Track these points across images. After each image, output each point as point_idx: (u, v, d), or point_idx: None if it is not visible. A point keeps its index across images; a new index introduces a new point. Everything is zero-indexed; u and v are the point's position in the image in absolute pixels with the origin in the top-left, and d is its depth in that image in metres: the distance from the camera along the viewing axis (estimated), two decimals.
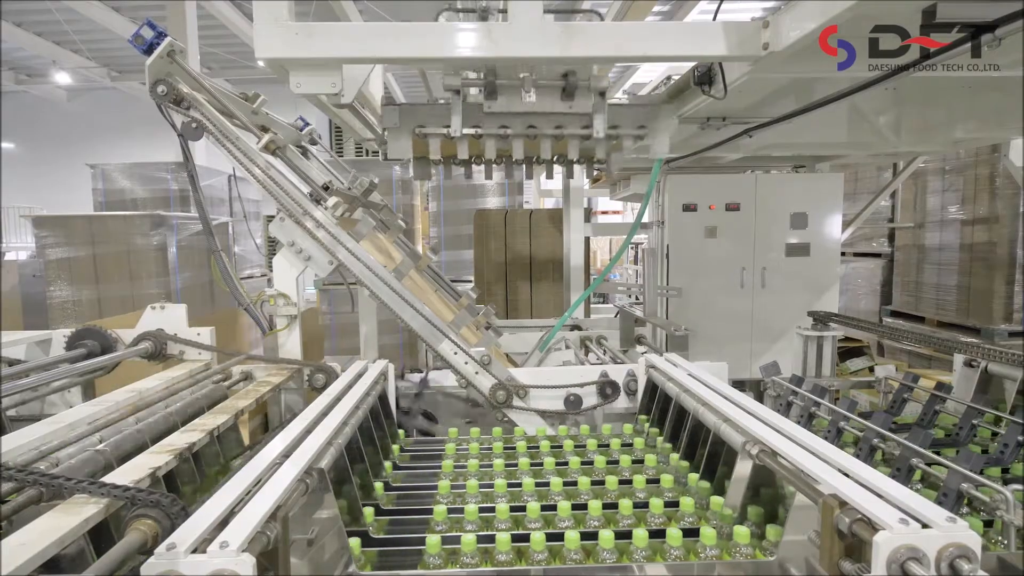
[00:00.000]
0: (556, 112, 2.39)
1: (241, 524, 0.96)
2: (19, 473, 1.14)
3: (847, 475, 1.11)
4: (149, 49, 2.11)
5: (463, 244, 6.66)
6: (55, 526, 1.03)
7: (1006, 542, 1.29)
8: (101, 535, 1.15)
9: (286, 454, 1.27)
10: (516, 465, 1.72)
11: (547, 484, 1.56)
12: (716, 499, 1.39)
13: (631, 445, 1.88)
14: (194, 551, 0.90)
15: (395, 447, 1.95)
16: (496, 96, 2.36)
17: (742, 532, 1.20)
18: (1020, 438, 1.77)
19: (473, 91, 2.40)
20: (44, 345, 2.33)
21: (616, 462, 1.73)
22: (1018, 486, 1.33)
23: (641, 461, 1.74)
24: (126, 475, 1.25)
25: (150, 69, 2.14)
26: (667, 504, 1.43)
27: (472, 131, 2.41)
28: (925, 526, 0.93)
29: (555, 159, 2.63)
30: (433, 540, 1.23)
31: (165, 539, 0.92)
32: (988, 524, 1.37)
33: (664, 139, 2.50)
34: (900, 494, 1.01)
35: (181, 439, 1.51)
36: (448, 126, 2.41)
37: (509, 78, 2.35)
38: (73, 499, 1.13)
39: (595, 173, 6.92)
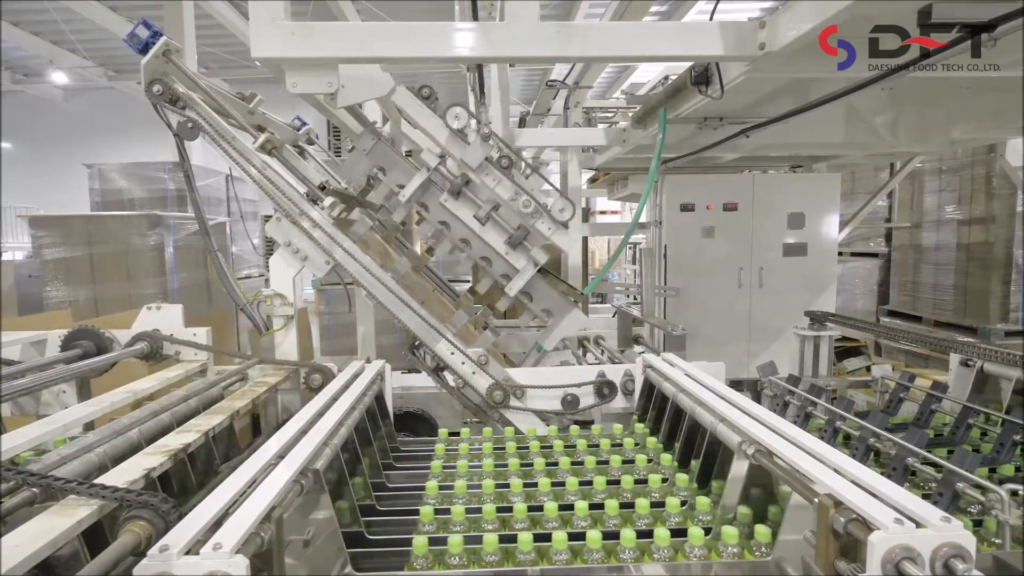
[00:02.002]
0: (494, 248, 2.50)
1: (235, 525, 0.96)
2: (13, 474, 1.13)
3: (843, 475, 1.11)
4: (145, 49, 2.11)
5: None
6: (49, 527, 1.03)
7: (1000, 541, 1.30)
8: (96, 536, 1.14)
9: (281, 455, 1.27)
10: (529, 465, 1.71)
11: (563, 484, 1.56)
12: (706, 499, 1.39)
13: (621, 445, 1.88)
14: (187, 553, 0.90)
15: (392, 447, 1.95)
16: (457, 197, 2.44)
17: (737, 532, 1.20)
18: (1016, 437, 1.77)
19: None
20: (40, 346, 2.32)
21: (611, 462, 1.72)
22: (1013, 486, 1.33)
23: (636, 461, 1.74)
24: (120, 476, 1.25)
25: (146, 69, 2.14)
26: (663, 504, 1.42)
27: (418, 206, 2.47)
28: (920, 526, 0.93)
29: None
30: (420, 541, 1.22)
31: (159, 540, 0.91)
32: (978, 524, 1.37)
33: (557, 337, 2.62)
34: (895, 494, 1.01)
35: (176, 440, 1.50)
36: (402, 186, 2.46)
37: (478, 196, 2.46)
38: (67, 500, 1.12)
39: (593, 173, 6.94)
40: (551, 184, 2.50)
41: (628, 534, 1.21)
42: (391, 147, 2.62)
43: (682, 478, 1.53)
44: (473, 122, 2.39)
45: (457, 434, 2.06)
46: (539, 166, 2.66)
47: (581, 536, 1.24)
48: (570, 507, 1.41)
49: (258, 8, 1.97)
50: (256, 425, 2.23)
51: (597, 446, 1.89)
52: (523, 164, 2.58)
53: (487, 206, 2.43)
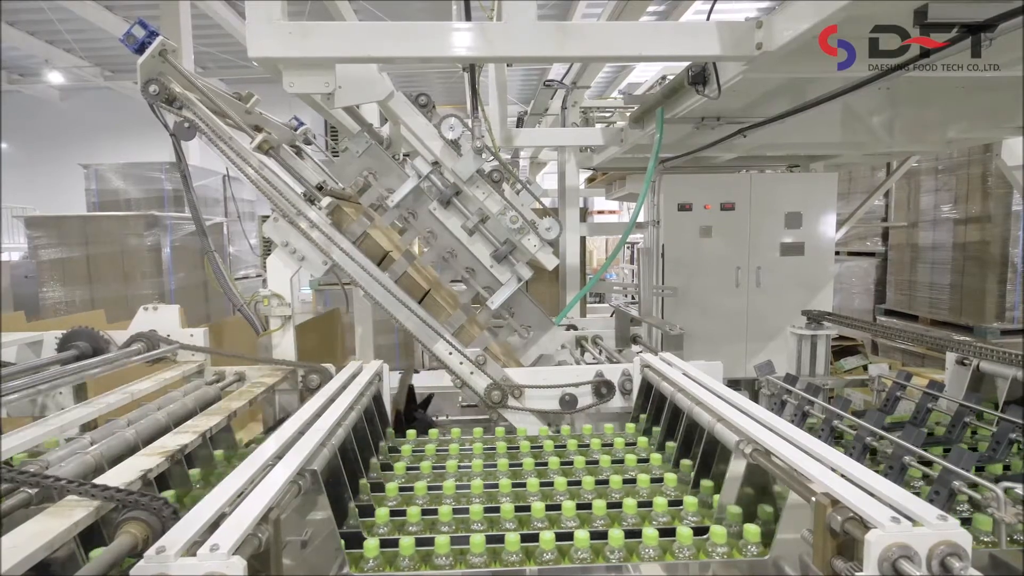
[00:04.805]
0: (479, 259, 2.51)
1: (232, 526, 0.96)
2: (10, 475, 1.13)
3: (840, 474, 1.11)
4: (141, 48, 2.10)
5: None
6: (45, 529, 1.03)
7: (995, 539, 1.30)
8: (92, 538, 1.14)
9: (279, 455, 1.27)
10: (519, 465, 1.70)
11: (552, 484, 1.55)
12: (700, 499, 1.39)
13: (611, 445, 1.87)
14: (185, 554, 0.90)
15: (390, 447, 1.95)
16: (447, 207, 2.44)
17: (726, 532, 1.20)
18: (1012, 436, 1.78)
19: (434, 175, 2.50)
20: (36, 347, 2.31)
21: (610, 462, 1.72)
22: (1010, 484, 1.33)
23: (626, 461, 1.73)
24: (117, 477, 1.25)
25: (142, 68, 2.13)
26: (653, 504, 1.42)
27: (405, 213, 2.48)
28: (916, 524, 0.93)
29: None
30: (406, 542, 1.21)
31: (156, 542, 0.91)
32: (966, 521, 1.37)
33: (536, 353, 2.67)
34: (892, 492, 1.02)
35: (173, 441, 1.50)
36: (391, 190, 2.45)
37: (467, 207, 2.46)
38: (63, 502, 1.12)
39: (590, 173, 6.94)
40: (541, 203, 2.52)
41: (616, 534, 1.21)
42: (386, 150, 2.62)
43: (671, 478, 1.53)
44: (467, 133, 2.41)
45: (448, 433, 2.06)
46: (531, 183, 2.70)
47: (569, 536, 1.24)
48: (558, 507, 1.40)
49: (255, 8, 1.97)
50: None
51: (587, 446, 1.88)
52: (514, 179, 2.57)
53: (475, 217, 2.43)
